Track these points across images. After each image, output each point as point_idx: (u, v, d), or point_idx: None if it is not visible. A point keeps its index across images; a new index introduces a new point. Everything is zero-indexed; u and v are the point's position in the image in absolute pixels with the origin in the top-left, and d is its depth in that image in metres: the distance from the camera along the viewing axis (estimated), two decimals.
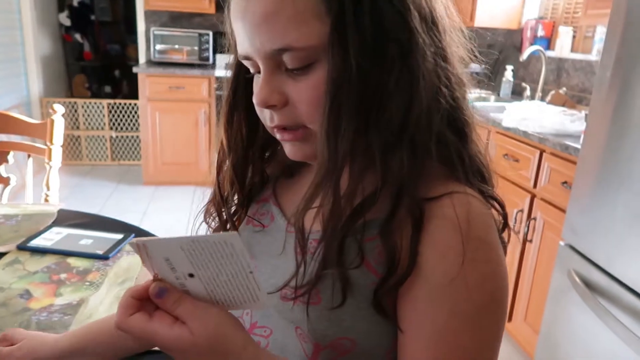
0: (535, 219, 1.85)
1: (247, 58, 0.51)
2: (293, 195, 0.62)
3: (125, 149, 4.22)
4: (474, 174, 0.52)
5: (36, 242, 1.05)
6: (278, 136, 0.53)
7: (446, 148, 0.50)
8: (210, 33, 3.67)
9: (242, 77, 0.57)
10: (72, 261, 1.00)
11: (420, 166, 0.48)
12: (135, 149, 4.16)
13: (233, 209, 0.65)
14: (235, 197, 0.64)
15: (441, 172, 0.51)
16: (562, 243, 1.48)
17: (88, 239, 1.09)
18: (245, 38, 0.49)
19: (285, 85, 0.50)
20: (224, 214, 0.64)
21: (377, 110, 0.47)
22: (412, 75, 0.47)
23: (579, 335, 1.39)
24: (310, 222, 0.49)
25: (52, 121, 1.53)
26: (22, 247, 1.03)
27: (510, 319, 2.00)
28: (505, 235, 0.53)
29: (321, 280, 0.49)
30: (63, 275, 0.95)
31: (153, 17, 3.88)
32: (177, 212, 3.27)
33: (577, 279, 1.35)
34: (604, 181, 1.32)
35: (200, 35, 3.64)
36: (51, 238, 1.08)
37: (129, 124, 4.11)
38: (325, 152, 0.47)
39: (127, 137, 4.17)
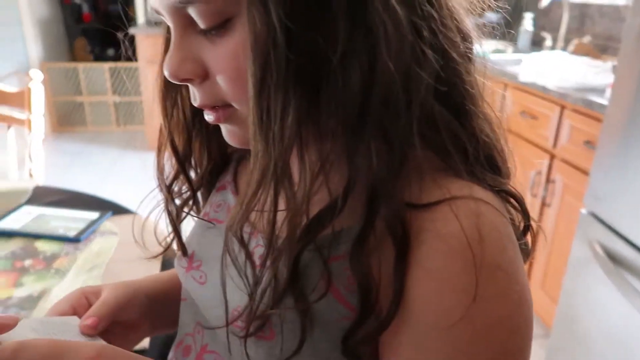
0: (554, 181, 1.72)
1: (158, 13, 0.39)
2: None
3: (129, 114, 4.12)
4: (482, 163, 0.38)
5: (3, 224, 0.97)
6: (206, 117, 0.41)
7: (437, 132, 0.37)
8: None
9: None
10: (40, 245, 0.92)
11: (400, 159, 0.34)
12: (140, 113, 4.06)
13: (185, 196, 0.53)
14: (182, 186, 0.52)
15: (434, 166, 0.37)
16: (583, 211, 1.35)
17: (60, 220, 1.00)
18: None
19: (201, 52, 0.37)
20: (170, 206, 0.52)
21: (325, 86, 0.34)
22: (368, 34, 0.33)
23: (600, 309, 1.28)
24: (259, 224, 0.37)
25: (29, 89, 1.42)
26: None
27: None
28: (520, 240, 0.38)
29: (275, 308, 0.37)
30: (28, 262, 0.86)
31: None
32: None
33: (600, 250, 1.23)
34: (633, 141, 1.18)
35: None
36: (20, 219, 1.00)
37: (132, 88, 4.00)
38: (259, 143, 0.34)
39: (131, 101, 4.07)
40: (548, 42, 2.60)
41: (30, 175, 1.47)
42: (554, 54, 2.22)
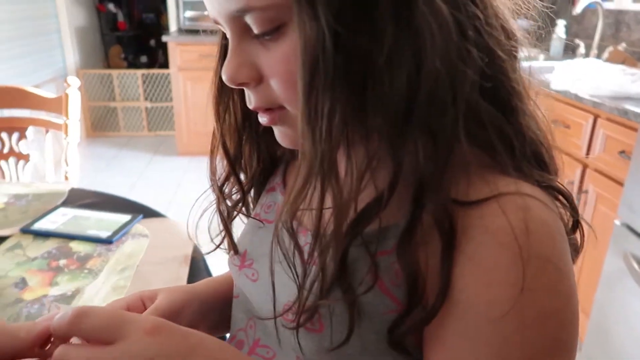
0: (587, 191, 1.68)
1: (216, 22, 0.41)
2: None
3: (160, 120, 4.22)
4: (529, 159, 0.39)
5: (40, 225, 1.01)
6: (260, 119, 0.43)
7: (483, 128, 0.37)
8: None
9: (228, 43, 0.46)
10: (75, 245, 0.95)
11: (446, 154, 0.35)
12: (171, 119, 4.15)
13: (237, 197, 0.55)
14: (234, 187, 0.54)
15: (481, 163, 0.38)
16: (617, 222, 1.32)
17: (94, 222, 1.03)
18: None
19: (257, 56, 0.39)
20: (222, 206, 0.54)
21: (371, 86, 0.35)
22: (414, 35, 0.34)
23: (634, 323, 1.24)
24: (309, 221, 0.39)
25: (67, 95, 1.47)
26: (25, 230, 0.99)
27: None
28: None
29: (323, 301, 0.38)
30: (62, 262, 0.89)
31: None
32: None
33: (634, 263, 1.20)
34: None
35: None
36: (56, 220, 1.03)
37: (163, 94, 4.09)
38: (307, 141, 0.36)
39: (162, 107, 4.16)
40: (582, 49, 2.55)
41: (66, 178, 1.52)
42: (587, 62, 2.18)
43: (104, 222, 1.03)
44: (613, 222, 1.33)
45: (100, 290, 0.81)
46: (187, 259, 0.92)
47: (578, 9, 2.34)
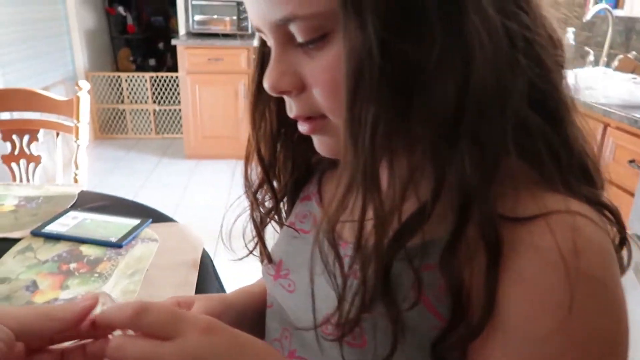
0: None
1: (259, 30, 0.41)
2: None
3: (168, 123, 4.24)
4: (576, 173, 0.38)
5: (51, 228, 1.01)
6: (300, 128, 0.43)
7: (531, 140, 0.36)
8: None
9: (267, 51, 0.46)
10: (85, 249, 0.96)
11: (493, 166, 0.35)
12: (178, 122, 4.17)
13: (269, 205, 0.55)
14: (267, 194, 0.54)
15: (527, 176, 0.37)
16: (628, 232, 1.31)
17: (104, 225, 1.04)
18: (250, 5, 0.40)
19: (299, 65, 0.39)
20: (256, 213, 0.54)
21: (417, 95, 0.35)
22: (467, 43, 0.33)
23: None
24: (350, 232, 0.38)
25: (78, 98, 1.48)
26: (36, 233, 0.99)
27: None
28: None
29: (364, 315, 0.38)
30: (73, 265, 0.90)
31: None
32: (218, 186, 3.25)
33: None
34: None
35: (239, 4, 3.54)
36: (67, 223, 1.04)
37: (171, 97, 4.11)
38: (349, 150, 0.36)
39: (170, 110, 4.18)
40: (591, 57, 2.54)
41: (75, 180, 1.52)
42: (597, 70, 2.17)
43: (113, 225, 1.03)
44: None
45: (111, 294, 0.82)
46: (196, 264, 0.93)
47: (588, 16, 2.33)
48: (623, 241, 0.39)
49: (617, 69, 2.21)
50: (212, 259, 1.00)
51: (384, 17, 0.33)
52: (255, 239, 0.54)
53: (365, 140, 0.35)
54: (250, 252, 0.56)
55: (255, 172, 0.53)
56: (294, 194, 0.56)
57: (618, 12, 2.40)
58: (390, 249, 0.37)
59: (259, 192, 0.53)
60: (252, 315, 0.59)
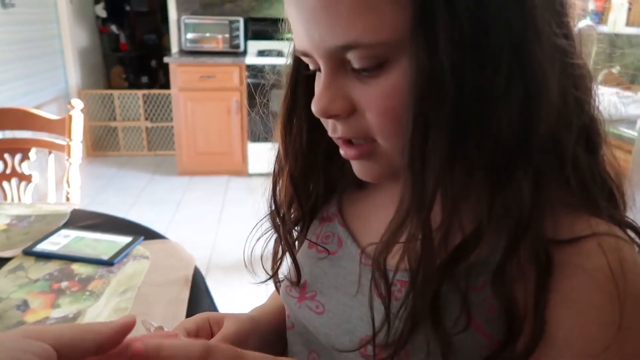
0: None
1: (305, 54, 0.41)
2: (363, 214, 0.52)
3: (160, 139, 4.24)
4: (607, 197, 0.40)
5: (42, 247, 1.02)
6: (342, 151, 0.43)
7: (578, 171, 0.39)
8: (241, 20, 3.59)
9: (302, 72, 0.47)
10: (76, 267, 0.96)
11: (545, 194, 0.37)
12: (171, 139, 4.18)
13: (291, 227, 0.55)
14: (294, 213, 0.54)
15: (570, 203, 0.39)
16: None
17: (95, 243, 1.04)
18: (301, 29, 0.39)
19: (351, 90, 0.39)
20: (281, 232, 0.54)
21: (480, 126, 0.35)
22: (530, 75, 0.35)
23: None
24: (393, 256, 0.39)
25: (71, 117, 1.50)
26: (27, 252, 1.00)
27: None
28: None
29: (412, 338, 0.39)
30: (64, 284, 0.90)
31: (184, 5, 3.84)
32: (210, 202, 3.25)
33: None
34: None
35: (231, 22, 3.58)
36: (58, 242, 1.04)
37: (163, 114, 4.12)
38: (409, 179, 0.37)
39: (163, 127, 4.19)
40: None
41: (67, 198, 1.53)
42: None
43: (105, 244, 1.04)
44: None
45: (102, 312, 0.82)
46: (187, 281, 0.93)
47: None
48: None
49: (601, 83, 2.25)
50: (204, 276, 1.01)
51: (455, 44, 0.34)
52: (275, 261, 0.54)
53: (427, 167, 0.36)
54: (272, 276, 0.55)
55: (275, 197, 0.53)
56: (312, 215, 0.55)
57: (602, 28, 2.46)
58: (442, 272, 0.37)
59: (282, 212, 0.54)
60: (277, 335, 0.58)
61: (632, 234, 0.40)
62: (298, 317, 0.52)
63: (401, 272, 0.39)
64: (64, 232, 1.09)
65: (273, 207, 0.54)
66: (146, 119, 4.12)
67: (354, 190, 0.53)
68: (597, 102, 0.41)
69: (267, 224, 0.55)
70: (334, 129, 0.42)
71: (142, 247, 1.05)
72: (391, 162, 0.41)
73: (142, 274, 0.94)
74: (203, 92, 3.50)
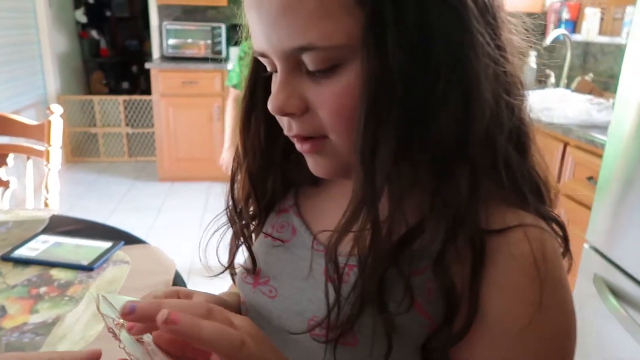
0: (558, 215, 1.73)
1: (263, 55, 0.44)
2: (317, 206, 0.56)
3: (141, 145, 4.21)
4: (534, 193, 0.45)
5: (20, 252, 1.01)
6: (297, 146, 0.46)
7: (510, 169, 0.43)
8: (223, 26, 3.60)
9: (261, 74, 0.49)
10: (55, 272, 0.95)
11: (480, 188, 0.41)
12: (152, 145, 4.15)
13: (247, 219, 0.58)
14: (252, 207, 0.57)
15: (501, 197, 0.43)
16: (586, 245, 1.37)
17: (75, 249, 1.04)
18: (260, 32, 0.42)
19: (305, 89, 0.42)
20: (237, 226, 0.57)
21: (423, 125, 0.39)
22: (467, 80, 0.39)
23: (606, 345, 1.28)
24: (344, 244, 0.42)
25: (50, 122, 1.48)
26: (5, 258, 0.99)
27: None
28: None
29: (359, 319, 0.42)
30: (43, 289, 0.90)
31: (166, 11, 3.84)
32: (191, 208, 3.24)
33: (602, 285, 1.24)
34: (634, 178, 1.20)
35: (213, 28, 3.58)
36: (37, 247, 1.04)
37: (144, 120, 4.10)
38: (361, 174, 0.40)
39: (143, 133, 4.16)
40: (552, 79, 2.65)
41: (46, 204, 1.51)
42: (557, 91, 2.27)
43: (85, 249, 1.04)
44: (583, 245, 1.38)
45: (81, 317, 0.82)
46: (168, 285, 0.93)
47: (548, 40, 2.44)
48: (566, 251, 0.46)
49: (575, 90, 2.32)
50: (185, 281, 1.01)
51: (403, 51, 0.38)
52: (228, 253, 0.57)
53: (377, 163, 0.39)
54: (227, 268, 0.58)
55: (232, 191, 0.56)
56: (269, 208, 0.59)
57: (576, 37, 2.53)
58: (388, 259, 0.41)
59: (239, 207, 0.57)
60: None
61: (555, 227, 0.45)
62: (252, 303, 0.54)
63: (351, 258, 0.42)
64: (42, 237, 1.08)
65: (231, 203, 0.56)
66: (127, 124, 4.08)
67: (310, 186, 0.57)
68: (527, 107, 0.45)
69: (224, 219, 0.58)
70: (289, 127, 0.45)
71: (123, 252, 1.04)
72: (343, 158, 0.44)
73: (122, 279, 0.94)
74: (185, 98, 3.50)
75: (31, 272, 0.95)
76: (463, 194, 0.40)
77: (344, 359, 0.44)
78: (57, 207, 1.52)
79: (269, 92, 0.45)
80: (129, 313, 0.33)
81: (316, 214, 0.55)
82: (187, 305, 0.36)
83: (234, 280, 0.60)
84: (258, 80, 0.50)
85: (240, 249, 0.58)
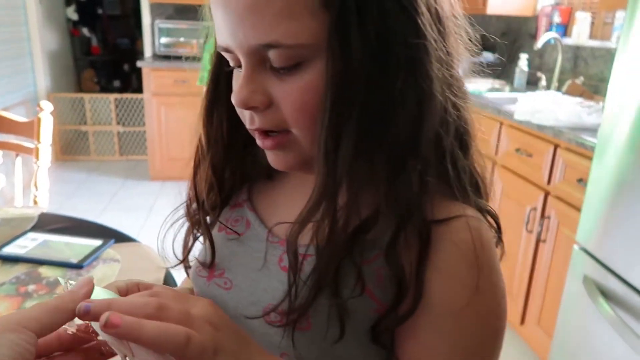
0: (549, 217, 1.75)
1: (227, 50, 0.45)
2: (271, 200, 0.57)
3: (132, 144, 4.18)
4: (472, 188, 0.48)
5: (8, 250, 1.00)
6: (259, 142, 0.47)
7: (455, 166, 0.46)
8: None
9: (223, 69, 0.50)
10: (44, 270, 0.94)
11: (428, 186, 0.44)
12: (143, 144, 4.12)
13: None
14: (212, 199, 0.58)
15: (444, 191, 0.46)
16: (576, 247, 1.38)
17: (64, 246, 1.03)
18: (225, 28, 0.43)
19: (269, 85, 0.44)
20: (199, 217, 0.57)
21: (382, 122, 0.42)
22: (421, 83, 0.42)
23: (595, 346, 1.29)
24: (302, 235, 0.44)
25: (39, 119, 1.47)
26: None
27: (523, 321, 1.90)
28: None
29: (314, 303, 0.44)
30: (31, 287, 0.89)
31: (159, 9, 3.82)
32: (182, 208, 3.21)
33: (592, 287, 1.25)
34: (621, 180, 1.21)
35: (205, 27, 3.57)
36: (25, 245, 1.03)
37: (136, 119, 4.07)
38: (323, 168, 0.42)
39: (135, 132, 4.13)
40: (543, 82, 2.67)
41: (35, 202, 1.50)
42: (548, 94, 2.29)
43: (74, 247, 1.03)
44: (572, 247, 1.40)
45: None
46: (159, 283, 0.93)
47: (539, 44, 2.46)
48: (498, 240, 0.50)
49: (566, 93, 2.34)
50: (176, 279, 1.00)
51: (365, 52, 0.40)
52: (189, 246, 0.58)
53: (338, 157, 0.41)
54: (182, 261, 0.59)
55: (195, 184, 0.58)
56: (225, 202, 0.60)
57: (567, 40, 2.55)
58: (344, 249, 0.43)
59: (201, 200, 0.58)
60: None
61: (490, 219, 0.49)
62: (207, 296, 0.55)
63: (309, 248, 0.45)
64: (31, 235, 1.07)
65: (192, 194, 0.58)
66: (118, 123, 4.06)
67: (263, 180, 0.59)
68: (470, 108, 0.48)
69: (180, 212, 0.60)
70: (251, 120, 0.46)
71: (113, 250, 1.04)
72: (303, 152, 0.46)
73: (112, 277, 0.93)
74: (176, 96, 3.48)
75: (19, 269, 0.94)
76: (414, 189, 0.43)
77: (299, 343, 0.45)
78: (46, 206, 1.51)
79: (231, 86, 0.47)
80: (84, 314, 0.35)
81: (269, 208, 0.56)
82: (137, 303, 0.37)
83: (188, 274, 0.62)
84: (221, 74, 0.51)
85: (196, 243, 0.59)
